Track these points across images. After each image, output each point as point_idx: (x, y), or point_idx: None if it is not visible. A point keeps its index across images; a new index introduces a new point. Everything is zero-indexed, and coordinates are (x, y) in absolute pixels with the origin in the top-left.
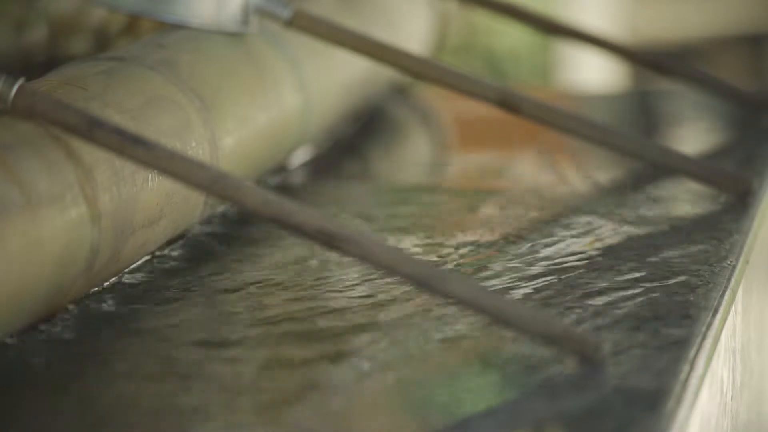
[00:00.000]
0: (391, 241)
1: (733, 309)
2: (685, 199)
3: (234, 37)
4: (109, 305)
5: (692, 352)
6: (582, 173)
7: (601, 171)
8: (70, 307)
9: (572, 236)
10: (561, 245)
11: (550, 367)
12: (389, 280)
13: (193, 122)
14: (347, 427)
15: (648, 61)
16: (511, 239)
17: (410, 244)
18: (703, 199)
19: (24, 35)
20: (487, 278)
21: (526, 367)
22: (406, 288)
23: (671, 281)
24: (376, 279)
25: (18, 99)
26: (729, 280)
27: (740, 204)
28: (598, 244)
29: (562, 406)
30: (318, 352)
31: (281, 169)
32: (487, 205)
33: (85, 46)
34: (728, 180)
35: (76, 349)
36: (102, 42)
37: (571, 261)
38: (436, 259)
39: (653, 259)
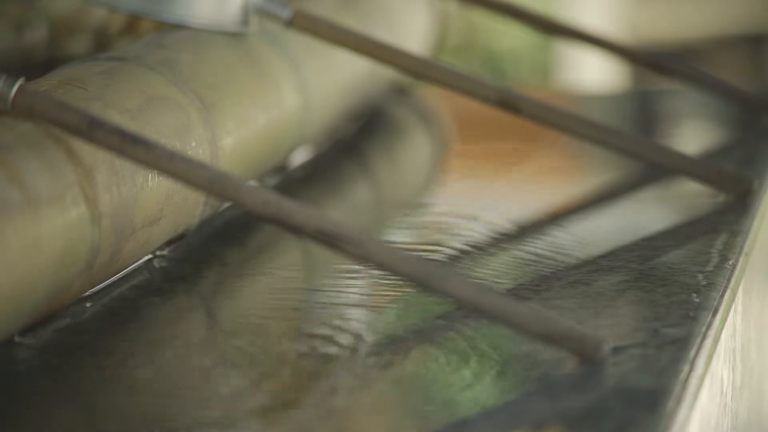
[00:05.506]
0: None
1: (733, 309)
2: (685, 199)
3: (234, 37)
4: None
5: (692, 352)
6: (581, 176)
7: (601, 171)
8: (88, 304)
9: (571, 237)
10: (560, 246)
11: (550, 367)
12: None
13: (193, 122)
14: (347, 427)
15: (648, 61)
16: (510, 239)
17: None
18: (703, 199)
19: (24, 35)
20: (487, 278)
21: (526, 367)
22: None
23: (671, 281)
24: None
25: (18, 99)
26: (729, 280)
27: (740, 204)
28: (598, 245)
29: (562, 406)
30: (317, 351)
31: (281, 169)
32: (485, 204)
33: (85, 46)
34: (728, 180)
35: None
36: (102, 42)
37: (571, 261)
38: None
39: (653, 259)
